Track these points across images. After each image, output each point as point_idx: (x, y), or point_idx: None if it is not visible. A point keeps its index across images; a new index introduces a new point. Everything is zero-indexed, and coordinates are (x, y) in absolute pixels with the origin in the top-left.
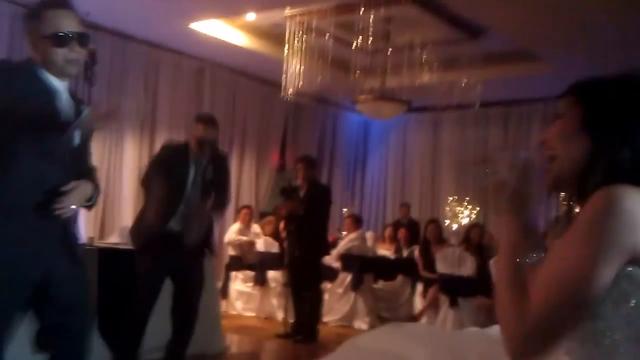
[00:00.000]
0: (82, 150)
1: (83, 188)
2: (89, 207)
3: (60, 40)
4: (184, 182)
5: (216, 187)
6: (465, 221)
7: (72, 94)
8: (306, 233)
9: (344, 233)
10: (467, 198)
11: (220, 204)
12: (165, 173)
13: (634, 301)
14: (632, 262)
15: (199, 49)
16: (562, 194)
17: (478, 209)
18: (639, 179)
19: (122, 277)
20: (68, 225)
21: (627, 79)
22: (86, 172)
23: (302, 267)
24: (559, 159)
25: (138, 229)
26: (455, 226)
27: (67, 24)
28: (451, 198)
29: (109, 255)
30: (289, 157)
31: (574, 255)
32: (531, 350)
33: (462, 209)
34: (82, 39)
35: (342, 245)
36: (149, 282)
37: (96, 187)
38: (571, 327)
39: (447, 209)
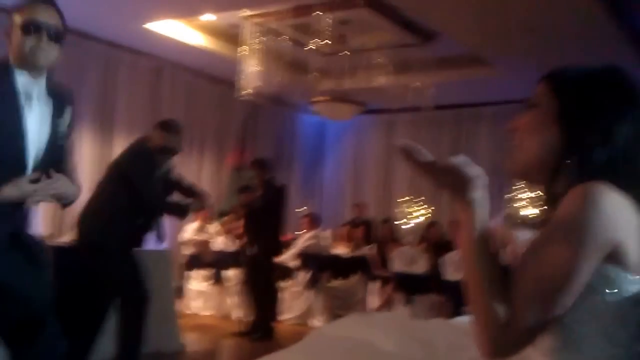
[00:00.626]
0: (56, 153)
1: (61, 184)
2: (64, 205)
3: (28, 28)
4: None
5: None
6: (417, 221)
7: (54, 90)
8: (261, 232)
9: (302, 232)
10: (420, 198)
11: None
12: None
13: (600, 296)
14: (605, 259)
15: (156, 49)
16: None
17: (431, 208)
18: (613, 177)
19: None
20: (20, 223)
21: (606, 72)
22: (63, 172)
23: (257, 265)
24: (524, 149)
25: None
26: (408, 225)
27: (42, 16)
28: (404, 198)
29: (64, 253)
30: (247, 157)
31: (555, 255)
32: (509, 351)
33: (416, 208)
34: (53, 32)
35: (299, 244)
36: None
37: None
38: (548, 325)
39: (400, 209)
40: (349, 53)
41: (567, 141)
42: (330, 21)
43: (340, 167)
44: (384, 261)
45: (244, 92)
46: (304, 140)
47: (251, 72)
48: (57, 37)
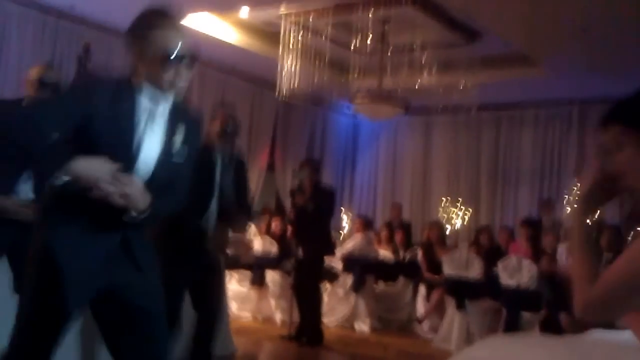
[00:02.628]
0: (168, 171)
1: (135, 188)
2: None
3: (168, 60)
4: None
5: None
6: (458, 223)
7: (177, 108)
8: (312, 234)
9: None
10: (460, 200)
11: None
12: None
13: None
14: None
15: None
16: None
17: (470, 210)
18: None
19: None
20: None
21: None
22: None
23: (307, 268)
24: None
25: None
26: (448, 228)
27: (183, 43)
28: (444, 200)
29: None
30: (279, 157)
31: (619, 269)
32: (591, 312)
33: (456, 210)
34: (192, 60)
35: (347, 246)
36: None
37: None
38: (626, 307)
39: (441, 211)
40: (390, 52)
41: None
42: (372, 19)
43: (373, 168)
44: (430, 265)
45: (280, 91)
46: (336, 141)
47: (288, 70)
48: (194, 61)
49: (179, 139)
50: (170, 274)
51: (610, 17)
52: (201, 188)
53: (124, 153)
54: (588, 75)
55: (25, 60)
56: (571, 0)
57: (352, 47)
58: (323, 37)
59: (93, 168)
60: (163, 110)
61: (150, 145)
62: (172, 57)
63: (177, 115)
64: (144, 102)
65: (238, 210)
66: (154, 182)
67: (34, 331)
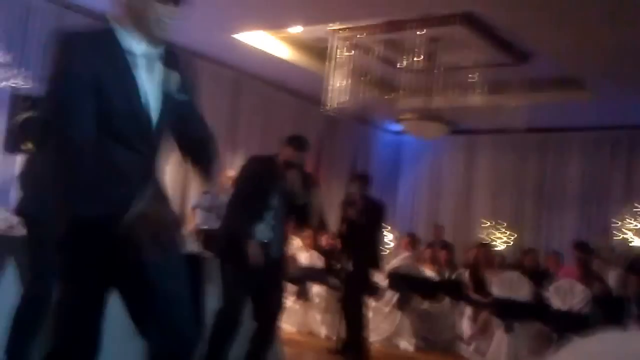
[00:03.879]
0: (180, 107)
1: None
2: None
3: None
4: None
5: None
6: (501, 246)
7: (173, 62)
8: (362, 247)
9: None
10: (504, 223)
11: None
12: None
13: None
14: None
15: (238, 60)
16: None
17: (515, 235)
18: None
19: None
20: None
21: None
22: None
23: (355, 282)
24: None
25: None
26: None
27: None
28: (487, 222)
29: None
30: (322, 173)
31: None
32: None
33: (499, 233)
34: (178, 3)
35: (394, 263)
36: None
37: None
38: None
39: (484, 233)
40: (438, 71)
41: None
42: (421, 38)
43: (415, 187)
44: (477, 285)
45: (327, 107)
46: (380, 158)
47: (336, 86)
48: (181, 2)
49: (175, 79)
50: (235, 284)
51: None
52: (256, 201)
53: (136, 107)
54: (637, 100)
55: None
56: (620, 24)
57: (400, 65)
58: (371, 54)
59: None
60: (157, 55)
61: (152, 90)
62: None
63: (169, 59)
64: (134, 47)
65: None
66: (164, 123)
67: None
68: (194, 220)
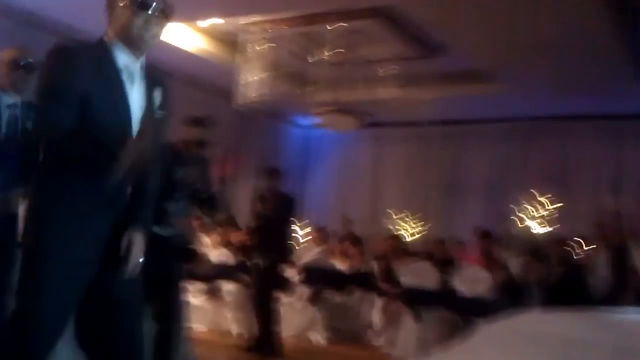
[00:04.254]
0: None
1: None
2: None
3: (142, 4)
4: None
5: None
6: (410, 237)
7: (150, 73)
8: (274, 242)
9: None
10: (412, 214)
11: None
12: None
13: None
14: None
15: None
16: None
17: (423, 225)
18: None
19: None
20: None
21: None
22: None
23: (267, 278)
24: None
25: None
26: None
27: None
28: (396, 214)
29: None
30: (235, 168)
31: None
32: None
33: (407, 224)
34: (163, 10)
35: (305, 258)
36: None
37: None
38: None
39: (392, 224)
40: (354, 64)
41: None
42: (334, 31)
43: (326, 181)
44: (387, 276)
45: (239, 102)
46: (290, 152)
47: (250, 80)
48: (166, 15)
49: (157, 96)
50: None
51: (567, 37)
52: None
53: (122, 116)
54: (542, 93)
55: None
56: (530, 20)
57: (314, 59)
58: (285, 47)
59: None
60: (138, 67)
61: (136, 102)
62: (140, 3)
63: (151, 75)
64: (120, 59)
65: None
66: (142, 137)
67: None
68: None
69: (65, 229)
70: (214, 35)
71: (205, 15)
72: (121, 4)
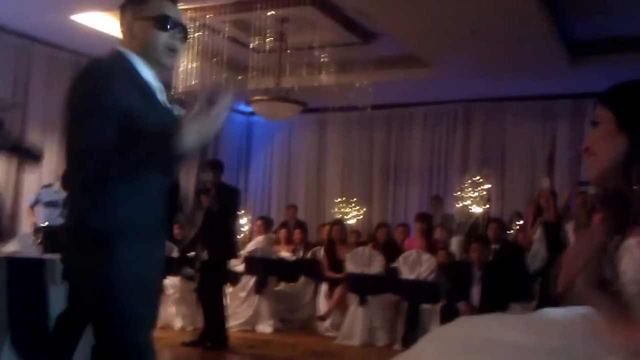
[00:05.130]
0: None
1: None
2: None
3: (165, 22)
4: None
5: None
6: (352, 221)
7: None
8: (218, 235)
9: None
10: (355, 199)
11: None
12: None
13: None
14: None
15: (78, 42)
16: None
17: (365, 209)
18: None
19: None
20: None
21: None
22: None
23: (211, 271)
24: (598, 158)
25: None
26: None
27: (174, 13)
28: (339, 199)
29: (15, 265)
30: None
31: None
32: None
33: (350, 209)
34: (185, 31)
35: (249, 247)
36: None
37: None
38: None
39: (335, 210)
40: (289, 51)
41: (630, 145)
42: (271, 18)
43: (267, 168)
44: (332, 263)
45: (177, 90)
46: (230, 141)
47: (184, 69)
48: (186, 37)
49: (178, 110)
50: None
51: (496, 23)
52: None
53: (167, 122)
54: (473, 77)
55: None
56: (460, 6)
57: (250, 46)
58: (221, 35)
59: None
60: (158, 83)
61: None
62: (168, 22)
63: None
64: (144, 74)
65: None
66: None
67: None
68: (32, 219)
69: (136, 254)
70: None
71: None
72: (143, 22)
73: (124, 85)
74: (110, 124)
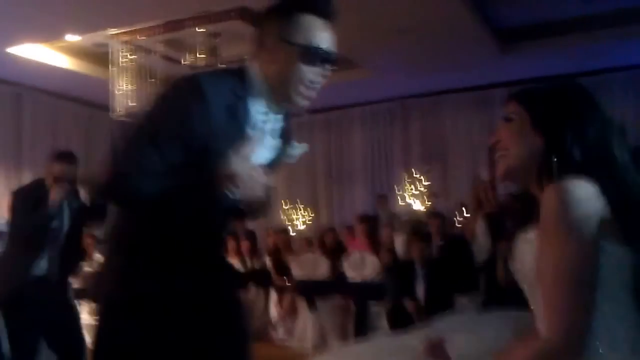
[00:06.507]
0: None
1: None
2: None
3: (315, 56)
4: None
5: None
6: (301, 226)
7: (285, 133)
8: None
9: None
10: (301, 204)
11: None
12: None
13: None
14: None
15: (16, 74)
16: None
17: (312, 214)
18: (589, 170)
19: None
20: None
21: (566, 87)
22: None
23: None
24: (510, 155)
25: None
26: (291, 231)
27: (325, 40)
28: (286, 205)
29: None
30: None
31: (560, 258)
32: (572, 338)
33: (298, 215)
34: (334, 62)
35: None
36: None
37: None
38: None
39: (282, 215)
40: (223, 65)
41: (546, 145)
42: (202, 34)
43: None
44: (280, 270)
45: (117, 112)
46: None
47: (122, 91)
48: (334, 67)
49: (292, 152)
50: (20, 329)
51: (420, 19)
52: (32, 235)
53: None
54: (406, 74)
55: None
56: (383, 6)
57: (184, 63)
58: (154, 55)
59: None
60: (276, 127)
61: (262, 157)
62: (320, 50)
63: (285, 126)
64: (255, 113)
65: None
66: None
67: None
68: None
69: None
70: (84, 50)
71: (66, 33)
72: (287, 47)
73: (217, 111)
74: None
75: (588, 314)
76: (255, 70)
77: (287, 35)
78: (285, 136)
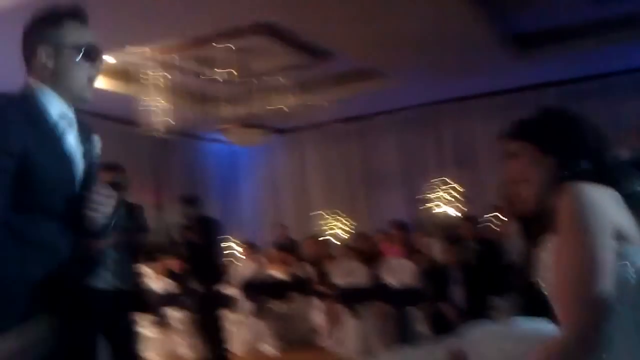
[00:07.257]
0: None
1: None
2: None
3: (91, 52)
4: None
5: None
6: (343, 234)
7: (82, 124)
8: (205, 265)
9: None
10: (340, 212)
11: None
12: None
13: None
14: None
15: None
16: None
17: (350, 220)
18: (602, 179)
19: None
20: None
21: (559, 114)
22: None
23: (203, 301)
24: (533, 182)
25: None
26: (332, 239)
27: (93, 37)
28: (325, 214)
29: None
30: (164, 195)
31: (578, 261)
32: (592, 327)
33: (338, 222)
34: (101, 59)
35: (241, 273)
36: None
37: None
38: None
39: (323, 224)
40: (252, 79)
41: (559, 163)
42: (230, 50)
43: (256, 190)
44: (321, 278)
45: (150, 129)
46: (216, 170)
47: (156, 108)
48: (101, 65)
49: (97, 142)
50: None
51: (441, 30)
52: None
53: (67, 174)
54: (432, 81)
55: None
56: (406, 19)
57: (213, 78)
58: (185, 71)
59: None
60: (73, 120)
61: (75, 151)
62: (94, 47)
63: (82, 126)
64: (57, 109)
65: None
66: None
67: None
68: None
69: None
70: (116, 68)
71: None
72: (63, 51)
73: (22, 122)
74: (4, 166)
75: (604, 311)
76: (37, 84)
77: (63, 40)
78: (87, 131)
